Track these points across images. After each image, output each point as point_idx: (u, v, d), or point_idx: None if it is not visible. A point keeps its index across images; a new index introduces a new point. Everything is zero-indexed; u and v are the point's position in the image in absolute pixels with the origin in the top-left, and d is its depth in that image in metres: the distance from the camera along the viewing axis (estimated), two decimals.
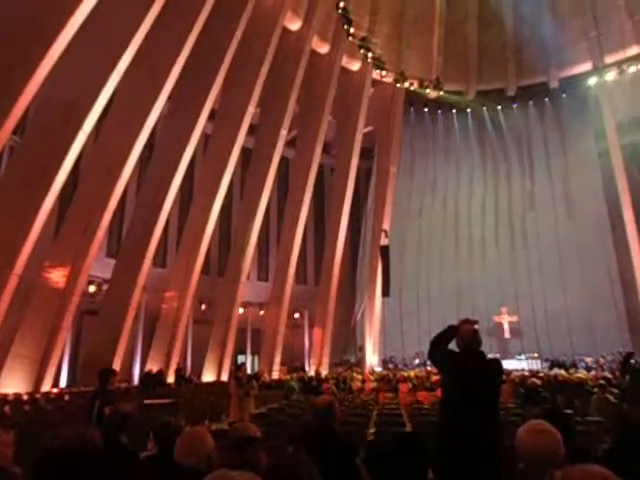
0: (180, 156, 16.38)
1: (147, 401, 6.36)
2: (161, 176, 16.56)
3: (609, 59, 22.72)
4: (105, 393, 4.69)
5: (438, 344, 3.29)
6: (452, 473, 2.87)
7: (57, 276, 13.23)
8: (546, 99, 25.01)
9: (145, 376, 15.83)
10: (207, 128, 19.42)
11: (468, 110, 26.28)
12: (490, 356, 3.50)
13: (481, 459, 2.85)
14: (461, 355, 3.19)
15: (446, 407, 3.19)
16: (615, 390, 7.85)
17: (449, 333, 3.29)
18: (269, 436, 3.57)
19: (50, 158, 11.91)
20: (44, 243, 13.11)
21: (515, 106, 25.47)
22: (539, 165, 24.16)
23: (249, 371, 22.20)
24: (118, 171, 13.96)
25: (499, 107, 25.67)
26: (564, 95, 24.44)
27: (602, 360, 18.81)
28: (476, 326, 3.25)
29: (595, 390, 7.44)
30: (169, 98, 16.00)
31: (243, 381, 6.81)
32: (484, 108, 25.89)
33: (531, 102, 25.27)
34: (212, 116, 18.85)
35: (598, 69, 22.88)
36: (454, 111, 26.42)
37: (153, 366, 16.97)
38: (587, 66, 23.45)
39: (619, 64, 22.40)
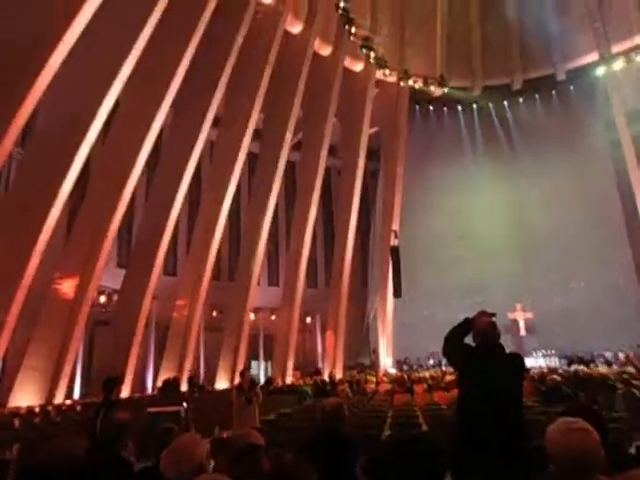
0: (186, 163, 16.36)
1: (152, 409, 6.16)
2: (168, 184, 16.55)
3: (616, 48, 22.33)
4: (110, 403, 4.54)
5: (453, 339, 3.08)
6: (472, 477, 2.67)
7: (66, 287, 13.22)
8: (553, 92, 24.64)
9: (164, 384, 15.66)
10: (212, 134, 19.40)
11: (474, 107, 25.98)
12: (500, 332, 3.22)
13: (504, 461, 2.64)
14: (479, 350, 2.98)
15: (464, 406, 2.98)
16: (638, 383, 7.57)
17: (465, 327, 3.07)
18: (276, 442, 3.41)
19: (55, 169, 11.93)
20: (54, 254, 13.11)
21: (522, 100, 25.14)
22: (548, 159, 23.70)
23: (262, 377, 22.09)
24: (124, 180, 13.96)
25: (505, 102, 25.35)
26: (571, 87, 24.06)
27: (631, 354, 18.24)
28: (494, 319, 3.05)
29: (619, 385, 7.16)
30: (173, 105, 15.99)
31: (245, 388, 6.55)
32: (490, 104, 25.58)
33: (538, 95, 24.91)
34: (217, 122, 18.83)
35: (605, 59, 22.50)
36: (460, 108, 26.14)
37: (166, 375, 16.88)
38: (594, 56, 23.08)
39: (626, 53, 22.01)
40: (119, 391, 5.10)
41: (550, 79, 24.40)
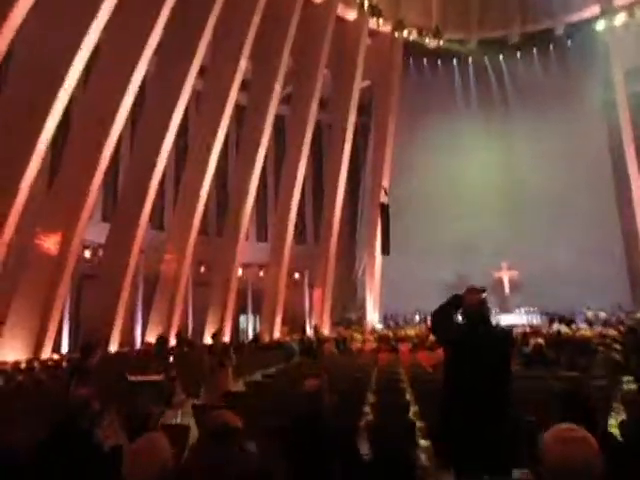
0: (171, 114, 15.81)
1: (133, 378, 6.03)
2: (153, 135, 16.02)
3: (618, 1, 21.56)
4: (83, 371, 4.41)
5: (441, 315, 3.01)
6: (457, 452, 2.67)
7: (50, 242, 12.95)
8: (551, 46, 23.92)
9: (159, 342, 15.18)
10: (199, 84, 18.68)
11: (469, 60, 25.22)
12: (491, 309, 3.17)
13: (490, 437, 2.62)
14: (467, 327, 2.91)
15: (451, 384, 2.93)
16: (619, 347, 7.71)
17: (453, 303, 2.99)
18: (263, 412, 3.37)
19: (32, 117, 11.40)
20: (35, 207, 12.78)
21: (518, 55, 24.43)
22: (542, 118, 23.32)
23: (250, 332, 22.37)
24: (106, 130, 13.46)
25: (501, 56, 24.64)
26: (570, 42, 23.36)
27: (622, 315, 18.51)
28: (484, 295, 2.96)
29: (600, 349, 7.29)
30: (156, 52, 15.24)
31: (217, 350, 6.19)
32: (486, 58, 24.84)
33: (535, 50, 24.18)
34: (203, 72, 18.09)
35: (607, 13, 21.75)
36: (455, 62, 25.37)
37: (154, 329, 16.92)
38: (595, 10, 22.30)
39: (629, 7, 21.26)
40: (103, 352, 4.99)
41: (548, 34, 23.65)
